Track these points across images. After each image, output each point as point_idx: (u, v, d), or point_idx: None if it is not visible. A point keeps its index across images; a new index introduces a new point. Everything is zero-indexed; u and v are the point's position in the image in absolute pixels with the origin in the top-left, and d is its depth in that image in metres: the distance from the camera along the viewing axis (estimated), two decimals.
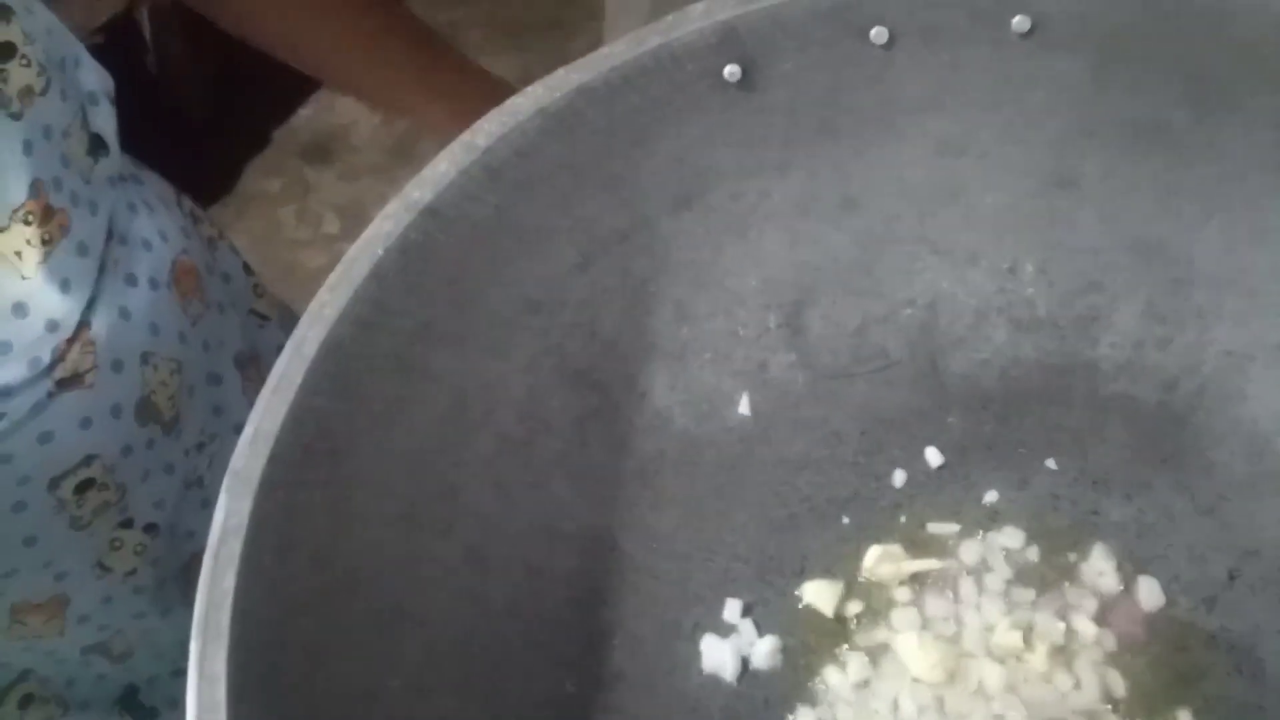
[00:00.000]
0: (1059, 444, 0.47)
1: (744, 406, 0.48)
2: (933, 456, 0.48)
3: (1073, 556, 0.46)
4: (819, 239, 0.48)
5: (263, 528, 0.34)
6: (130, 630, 0.62)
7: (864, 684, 0.44)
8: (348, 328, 0.38)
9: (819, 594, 0.45)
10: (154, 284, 0.56)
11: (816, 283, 0.49)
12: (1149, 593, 0.44)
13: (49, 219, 0.50)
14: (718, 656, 0.44)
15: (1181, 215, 0.46)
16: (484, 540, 0.42)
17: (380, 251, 0.39)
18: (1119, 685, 0.43)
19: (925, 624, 0.44)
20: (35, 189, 0.49)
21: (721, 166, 0.46)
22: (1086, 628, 0.44)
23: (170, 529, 0.60)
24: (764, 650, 0.44)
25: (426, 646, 0.38)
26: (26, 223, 0.48)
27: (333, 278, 0.39)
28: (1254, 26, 0.42)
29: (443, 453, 0.41)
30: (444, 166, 0.41)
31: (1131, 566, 0.45)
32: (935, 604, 0.45)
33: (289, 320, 0.73)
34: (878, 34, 0.43)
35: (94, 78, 0.56)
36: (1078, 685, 0.43)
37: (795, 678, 0.44)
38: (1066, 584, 0.45)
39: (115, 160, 0.57)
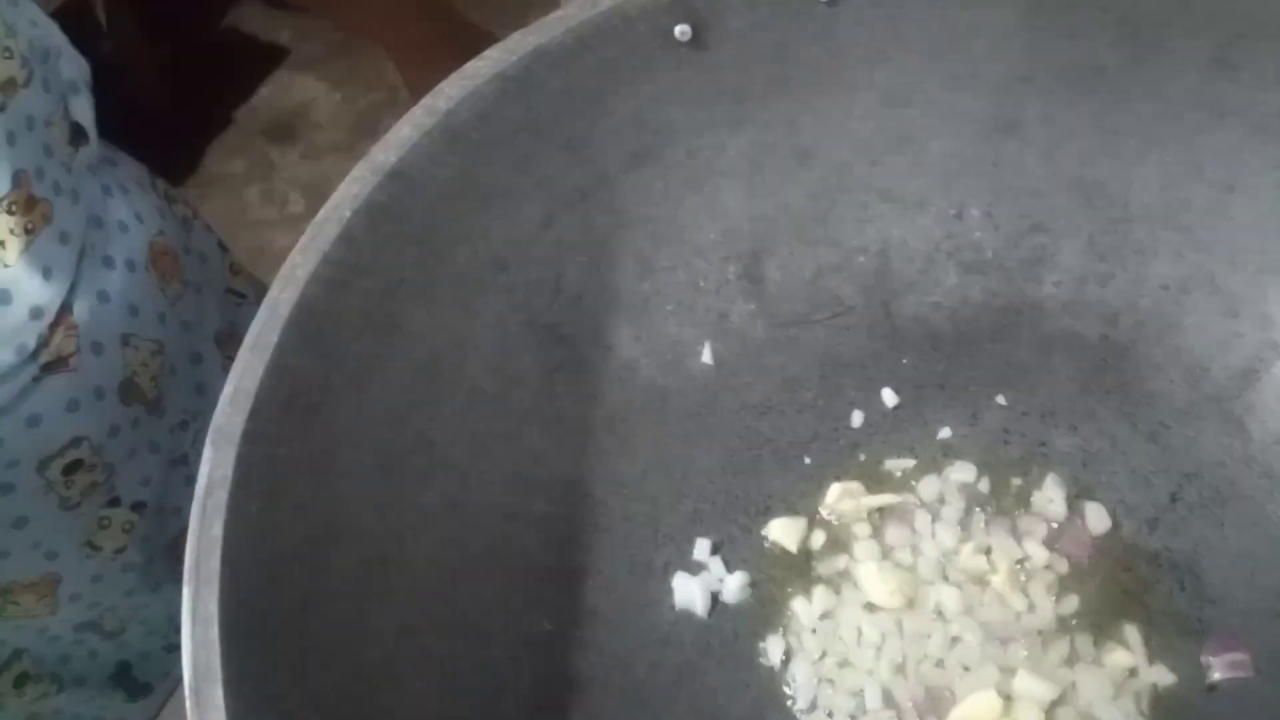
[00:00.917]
0: (1008, 380, 0.50)
1: (706, 355, 0.50)
2: (888, 397, 0.50)
3: (1023, 486, 0.48)
4: (774, 191, 0.49)
5: (247, 479, 0.35)
6: (121, 607, 0.63)
7: (828, 613, 0.46)
8: (319, 288, 0.39)
9: (783, 531, 0.47)
10: (131, 266, 0.57)
11: (773, 233, 0.50)
12: (1095, 517, 0.46)
13: (31, 208, 0.50)
14: (688, 593, 0.46)
15: (1119, 155, 0.48)
16: (461, 489, 0.43)
17: (348, 214, 0.41)
18: (1070, 605, 0.45)
19: (885, 554, 0.47)
20: (18, 179, 0.50)
21: (677, 123, 0.47)
22: (1038, 552, 0.46)
23: (157, 507, 0.61)
24: (733, 586, 0.46)
25: (411, 589, 0.40)
26: (10, 212, 0.49)
27: (303, 240, 0.40)
28: None
29: (417, 406, 0.43)
30: (407, 130, 0.42)
31: (1079, 493, 0.47)
32: (894, 535, 0.47)
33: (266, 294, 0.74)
34: None
35: (74, 67, 0.56)
36: (1031, 607, 0.45)
37: (763, 610, 0.46)
38: (1018, 512, 0.47)
39: (95, 148, 0.57)
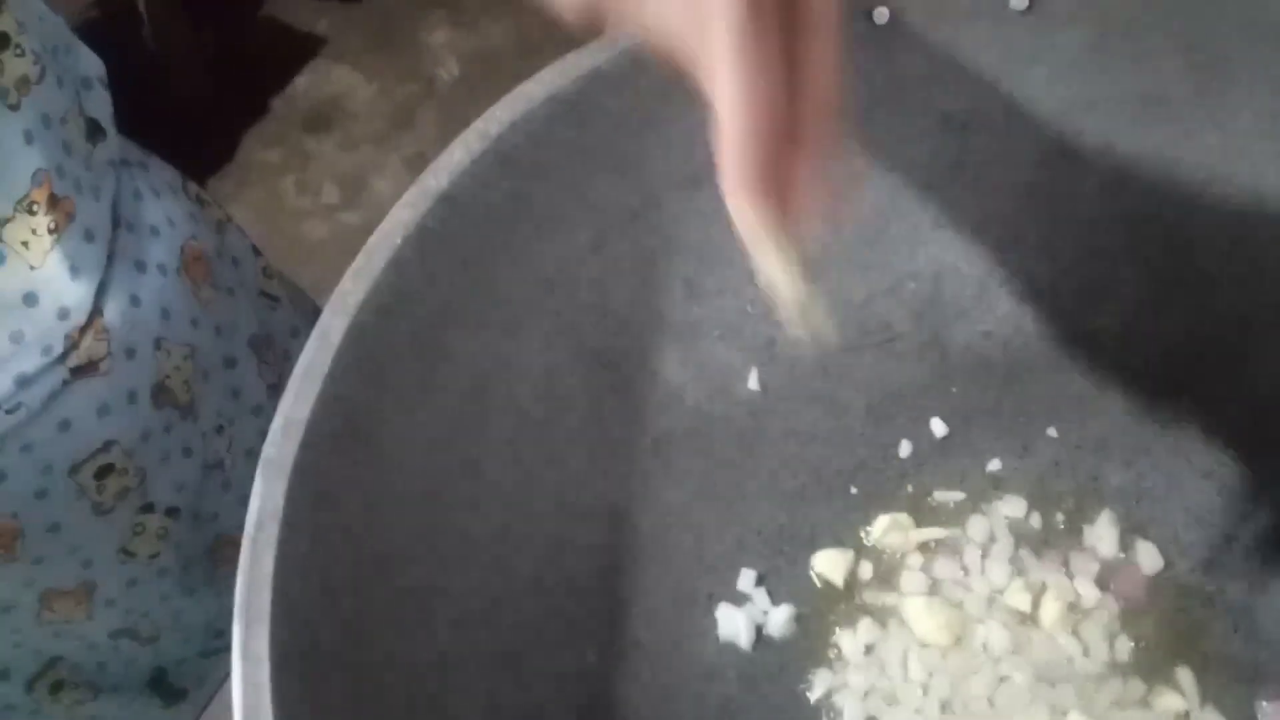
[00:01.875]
0: (1060, 412, 0.49)
1: (753, 381, 0.49)
2: (937, 427, 0.49)
3: (1074, 522, 0.47)
4: (823, 212, 0.48)
5: (297, 512, 0.35)
6: (157, 613, 0.63)
7: (874, 648, 0.45)
8: (370, 315, 0.39)
9: (830, 563, 0.47)
10: (164, 270, 0.57)
11: (822, 257, 0.49)
12: (1148, 556, 0.46)
13: (54, 207, 0.50)
14: (733, 625, 0.45)
15: (1182, 185, 0.47)
16: (507, 516, 0.43)
17: (399, 240, 0.40)
18: (1122, 646, 0.44)
19: (933, 589, 0.46)
20: (39, 178, 0.49)
21: None
22: (1090, 591, 0.45)
23: (192, 512, 0.61)
24: (778, 619, 0.46)
25: (457, 620, 0.40)
26: (31, 212, 0.49)
27: (354, 265, 0.40)
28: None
29: (465, 432, 0.42)
30: (458, 154, 0.42)
31: (1132, 531, 0.46)
32: (942, 570, 0.46)
33: (299, 300, 0.74)
34: (879, 14, 0.44)
35: (86, 62, 0.56)
36: (1082, 648, 0.44)
37: (808, 644, 0.46)
38: (1069, 549, 0.46)
39: (113, 144, 0.57)
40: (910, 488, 0.48)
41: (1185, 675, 0.43)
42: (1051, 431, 0.49)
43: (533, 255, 0.44)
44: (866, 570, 0.47)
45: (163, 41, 1.39)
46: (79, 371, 0.51)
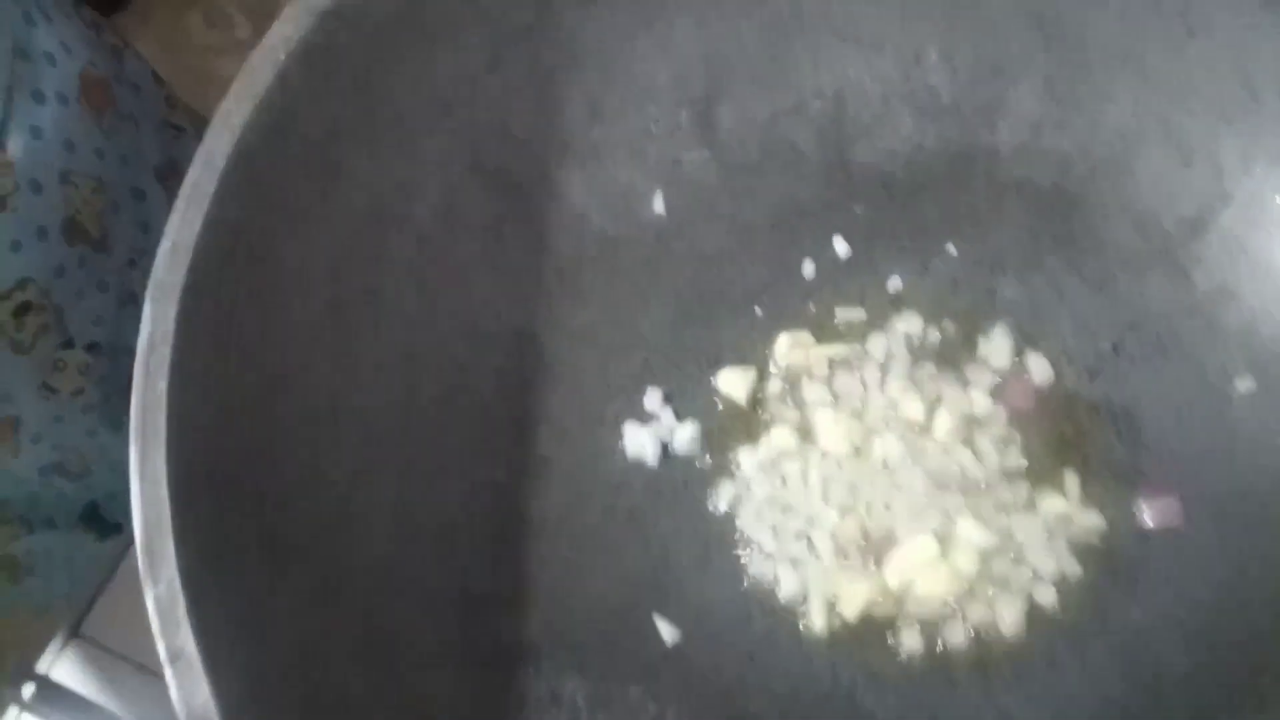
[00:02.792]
0: (959, 229, 0.49)
1: (658, 204, 0.49)
2: (840, 246, 0.49)
3: (970, 336, 0.48)
4: (728, 29, 0.48)
5: (190, 334, 0.35)
6: (85, 448, 0.63)
7: (776, 460, 0.46)
8: (255, 135, 0.38)
9: (733, 381, 0.48)
10: (63, 99, 0.54)
11: (726, 76, 0.49)
12: (1039, 367, 0.47)
13: None
14: (639, 441, 0.46)
15: None
16: (411, 338, 0.43)
17: (282, 56, 0.39)
18: (1012, 455, 0.46)
19: (834, 402, 0.47)
20: None
21: None
22: (984, 402, 0.47)
23: (112, 347, 0.60)
24: (684, 435, 0.47)
25: (364, 438, 0.40)
26: None
27: (236, 86, 0.38)
28: None
29: (364, 255, 0.42)
30: None
31: (1024, 343, 0.48)
32: (842, 384, 0.47)
33: (205, 130, 0.71)
34: None
35: None
36: (974, 456, 0.46)
37: (713, 459, 0.47)
38: (964, 363, 0.48)
39: None
40: (813, 307, 0.49)
41: (1071, 480, 0.45)
42: (950, 249, 0.49)
43: (426, 73, 0.43)
44: (769, 387, 0.48)
45: None
46: None
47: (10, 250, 0.51)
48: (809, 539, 0.45)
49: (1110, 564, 0.44)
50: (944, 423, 0.46)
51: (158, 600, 0.31)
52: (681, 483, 0.46)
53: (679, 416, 0.47)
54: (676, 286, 0.49)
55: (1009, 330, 0.48)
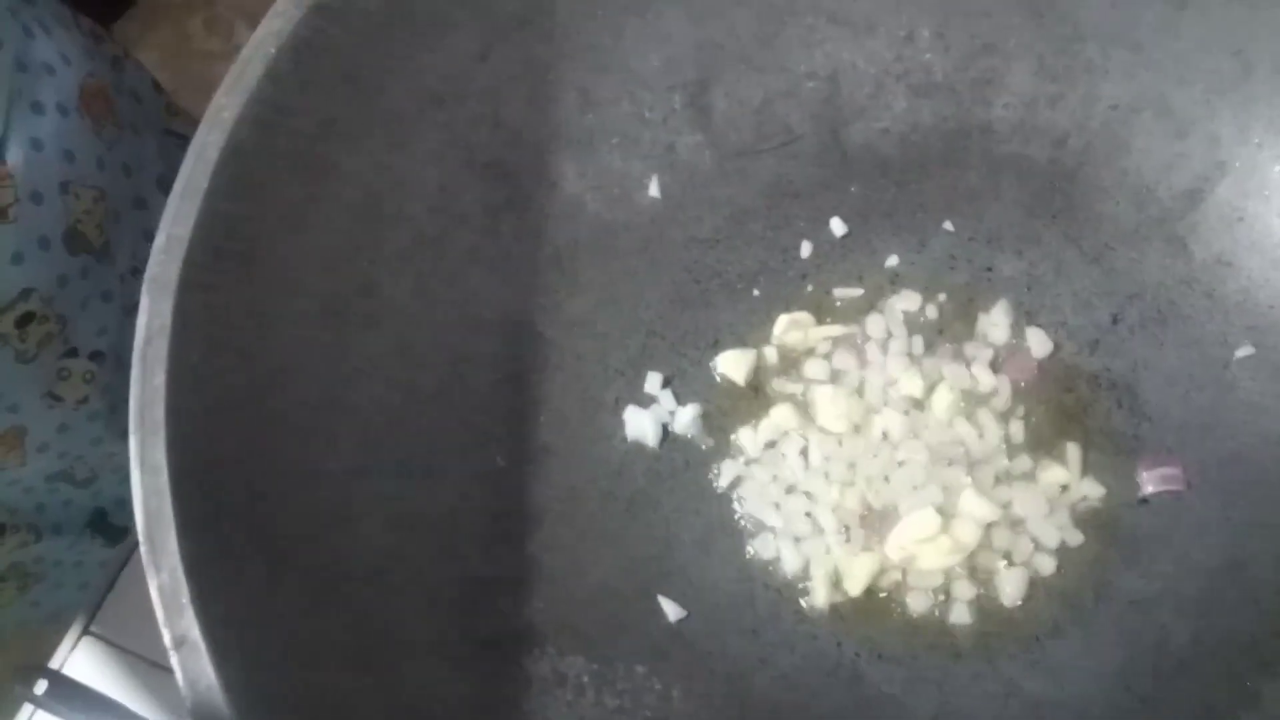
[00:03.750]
0: (956, 206, 0.49)
1: (654, 189, 0.49)
2: (837, 226, 0.50)
3: (969, 312, 0.48)
4: (720, 14, 0.48)
5: (186, 328, 0.35)
6: (90, 456, 0.63)
7: (776, 440, 0.47)
8: (247, 130, 0.38)
9: (732, 363, 0.48)
10: (63, 110, 0.55)
11: (719, 60, 0.49)
12: (1038, 341, 0.47)
13: None
14: (639, 425, 0.47)
15: None
16: (408, 331, 0.43)
17: (272, 51, 0.39)
18: (1013, 428, 0.46)
19: (833, 380, 0.47)
20: None
21: None
22: (985, 377, 0.47)
23: (116, 355, 0.61)
24: (684, 418, 0.47)
25: (361, 432, 0.41)
26: None
27: (227, 81, 0.39)
28: None
29: (358, 249, 0.42)
30: None
31: (1023, 317, 0.48)
32: (842, 363, 0.48)
33: None
34: None
35: None
36: (975, 431, 0.46)
37: (713, 440, 0.47)
38: (964, 339, 0.48)
39: None
40: (810, 287, 0.49)
41: (1073, 450, 0.45)
42: (947, 226, 0.49)
43: (417, 66, 0.43)
44: (769, 368, 0.48)
45: None
46: None
47: (12, 261, 0.51)
48: (811, 516, 0.45)
49: (1112, 533, 0.44)
50: (943, 398, 0.46)
51: (161, 588, 0.32)
52: (683, 464, 0.47)
53: (679, 399, 0.47)
54: (673, 271, 0.49)
55: (1008, 305, 0.48)
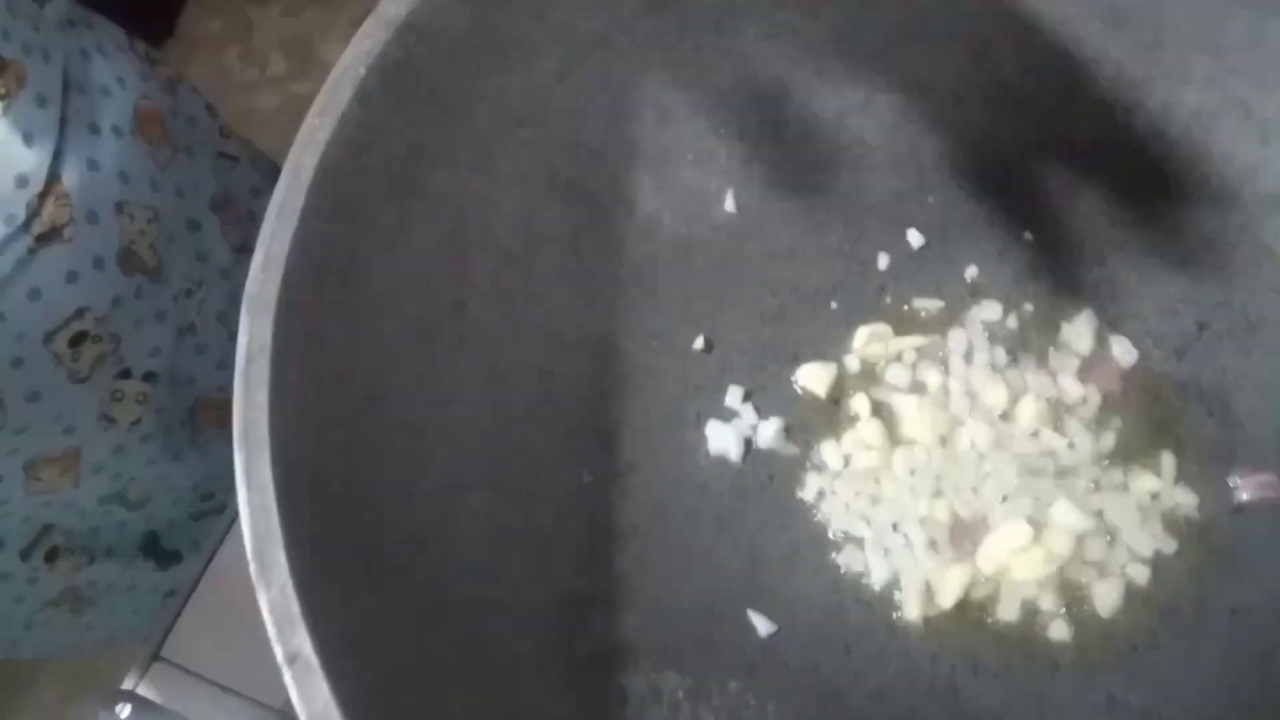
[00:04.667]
0: (1034, 216, 0.49)
1: (729, 204, 0.49)
2: (914, 238, 0.49)
3: (1051, 322, 0.48)
4: (796, 28, 0.48)
5: (286, 347, 0.35)
6: (144, 477, 0.64)
7: (860, 453, 0.46)
8: (340, 150, 0.39)
9: (813, 376, 0.48)
10: (118, 132, 0.56)
11: (793, 74, 0.49)
12: (1123, 350, 0.47)
13: (3, 72, 0.49)
14: (722, 440, 0.46)
15: None
16: (495, 351, 0.43)
17: (362, 71, 0.40)
18: (1103, 437, 0.46)
19: (917, 391, 0.47)
20: None
21: None
22: (1072, 387, 0.46)
23: (170, 376, 0.61)
24: (767, 431, 0.47)
25: (454, 452, 0.41)
26: None
27: (319, 101, 0.39)
28: None
29: (447, 270, 0.42)
30: None
31: (1107, 326, 0.47)
32: (924, 374, 0.47)
33: (259, 160, 0.73)
34: None
35: None
36: (1067, 441, 0.46)
37: (797, 453, 0.47)
38: (1047, 348, 0.47)
39: (61, 3, 0.55)
40: (889, 299, 0.49)
41: (1167, 460, 0.45)
42: (1027, 236, 0.49)
43: (501, 85, 0.44)
44: (849, 380, 0.48)
45: None
46: (44, 239, 0.51)
47: (66, 281, 0.52)
48: (899, 529, 0.45)
49: (1207, 542, 0.43)
50: (1029, 409, 0.46)
51: (272, 604, 0.32)
52: (767, 478, 0.46)
53: (760, 413, 0.47)
54: (751, 285, 0.49)
55: (1091, 314, 0.47)
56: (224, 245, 0.65)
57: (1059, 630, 0.42)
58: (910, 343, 0.48)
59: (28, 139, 0.50)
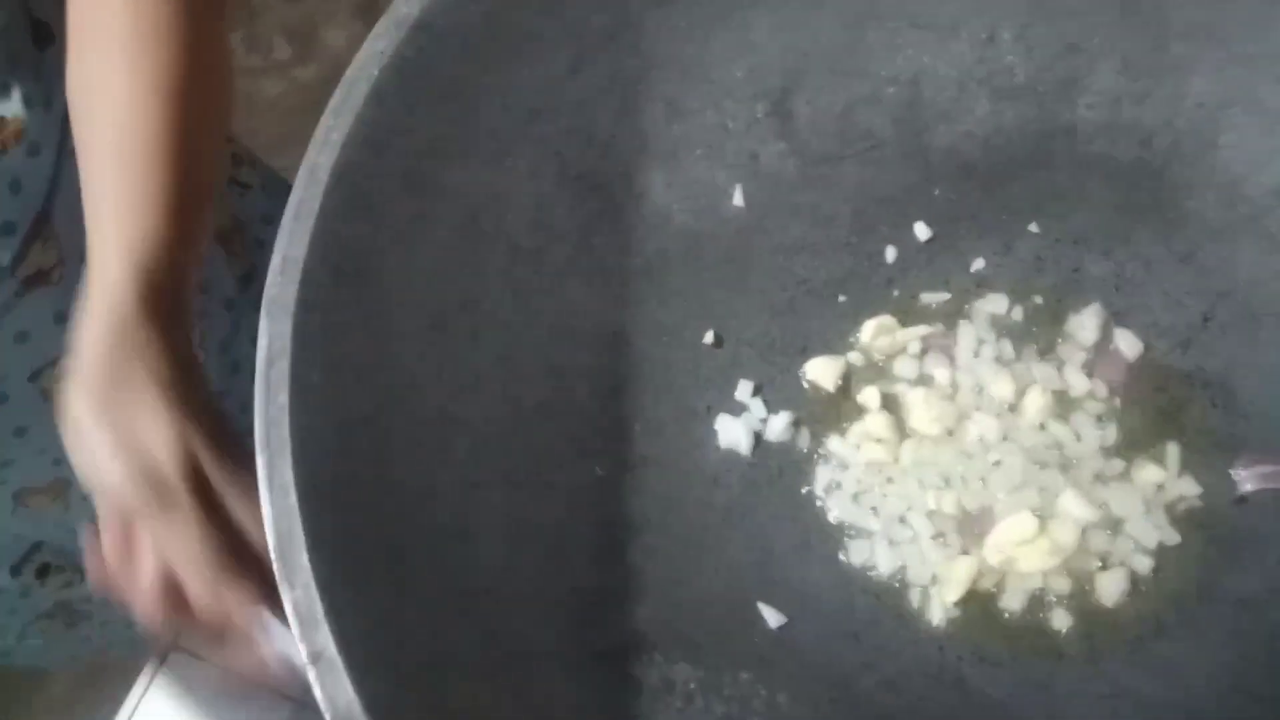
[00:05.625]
0: (1041, 208, 0.49)
1: (738, 198, 0.50)
2: (921, 230, 0.50)
3: (1057, 314, 0.48)
4: (803, 22, 0.48)
5: (306, 348, 0.36)
6: None
7: (869, 446, 0.47)
8: (356, 150, 0.39)
9: (821, 369, 0.48)
10: None
11: (802, 67, 0.49)
12: (1128, 342, 0.47)
13: (1, 130, 0.48)
14: (732, 433, 0.47)
15: None
16: (508, 345, 0.44)
17: (376, 71, 0.40)
18: (1108, 428, 0.46)
19: (924, 384, 0.47)
20: None
21: None
22: (1078, 379, 0.47)
23: None
24: (776, 425, 0.47)
25: (472, 447, 0.41)
26: None
27: (334, 101, 0.40)
28: None
29: (461, 265, 0.43)
30: None
31: (1113, 318, 0.48)
32: (931, 366, 0.48)
33: (273, 185, 0.71)
34: None
35: None
36: (1074, 433, 0.46)
37: (806, 446, 0.47)
38: (1053, 341, 0.48)
39: (63, 45, 0.55)
40: (896, 292, 0.49)
41: (1172, 450, 0.45)
42: (1033, 228, 0.49)
43: (512, 81, 0.44)
44: (857, 373, 0.48)
45: None
46: (30, 282, 0.50)
47: (54, 322, 0.51)
48: (906, 520, 0.45)
49: (1211, 532, 0.44)
50: (1035, 401, 0.46)
51: (296, 603, 0.32)
52: (776, 471, 0.47)
53: (770, 407, 0.48)
54: (760, 278, 0.49)
55: (1097, 306, 0.48)
56: (227, 276, 0.64)
57: (1064, 620, 0.43)
58: (917, 333, 0.48)
59: (14, 188, 0.49)
